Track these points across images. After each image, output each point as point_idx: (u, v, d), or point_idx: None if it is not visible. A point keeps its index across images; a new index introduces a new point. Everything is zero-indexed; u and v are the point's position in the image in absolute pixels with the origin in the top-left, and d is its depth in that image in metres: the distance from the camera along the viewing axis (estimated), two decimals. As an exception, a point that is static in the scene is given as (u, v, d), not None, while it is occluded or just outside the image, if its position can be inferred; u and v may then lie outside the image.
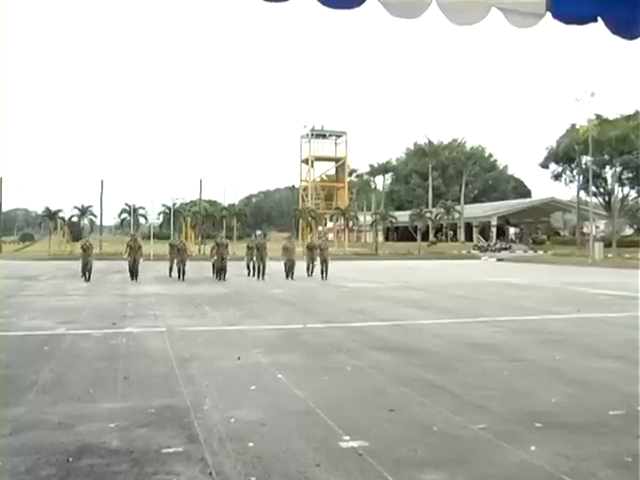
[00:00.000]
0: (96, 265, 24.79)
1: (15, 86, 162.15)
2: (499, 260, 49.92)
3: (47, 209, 59.57)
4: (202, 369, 7.43)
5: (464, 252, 60.22)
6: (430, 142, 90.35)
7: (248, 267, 25.11)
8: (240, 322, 11.82)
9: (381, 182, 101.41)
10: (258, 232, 31.88)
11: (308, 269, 24.90)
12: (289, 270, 23.75)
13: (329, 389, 6.59)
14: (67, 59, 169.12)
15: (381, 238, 72.67)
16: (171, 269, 23.96)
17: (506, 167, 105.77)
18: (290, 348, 9.04)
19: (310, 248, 25.91)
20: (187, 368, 7.47)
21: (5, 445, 4.71)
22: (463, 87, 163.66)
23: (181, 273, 23.18)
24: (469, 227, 77.54)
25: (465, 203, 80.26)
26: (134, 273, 22.53)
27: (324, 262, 24.14)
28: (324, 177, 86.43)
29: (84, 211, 62.18)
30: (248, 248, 25.41)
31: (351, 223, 70.47)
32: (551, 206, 76.22)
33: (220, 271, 23.19)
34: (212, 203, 68.95)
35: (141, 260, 23.05)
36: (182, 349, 8.78)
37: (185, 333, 10.38)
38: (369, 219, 73.10)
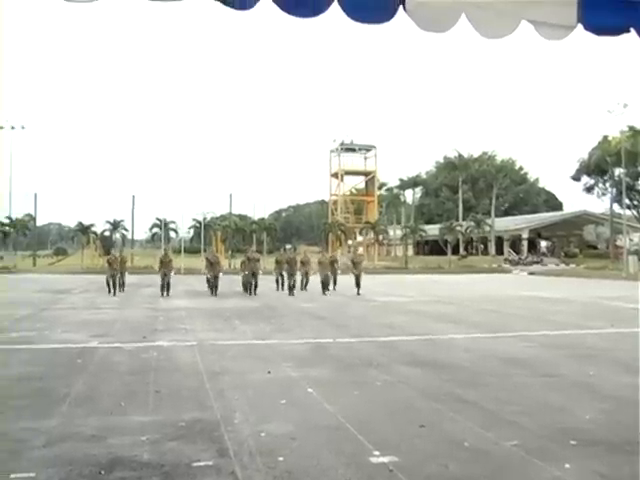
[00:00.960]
0: (127, 279, 25.04)
1: (48, 101, 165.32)
2: (531, 274, 49.31)
3: (80, 223, 60.48)
4: (232, 383, 7.44)
5: (495, 266, 59.54)
6: (460, 155, 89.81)
7: (277, 281, 25.17)
8: (270, 336, 11.83)
9: (411, 196, 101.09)
10: (288, 246, 31.87)
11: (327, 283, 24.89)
12: (325, 284, 23.71)
13: (359, 404, 6.55)
14: (99, 73, 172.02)
15: (411, 252, 72.37)
16: (209, 282, 23.98)
17: (537, 180, 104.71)
18: (320, 362, 9.02)
19: (331, 262, 25.86)
20: (217, 382, 7.49)
21: (39, 456, 4.76)
22: (493, 100, 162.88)
23: (214, 287, 23.22)
24: (500, 241, 76.76)
25: (496, 216, 79.48)
26: (166, 287, 22.59)
27: (357, 277, 23.83)
28: (354, 191, 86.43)
29: (116, 225, 62.95)
30: (277, 262, 25.53)
31: (381, 237, 70.32)
32: (583, 219, 75.25)
33: (251, 285, 23.09)
34: (242, 217, 69.38)
35: (172, 274, 23.23)
36: (212, 363, 8.81)
37: (215, 347, 10.41)
38: (399, 233, 72.89)
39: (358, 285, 23.55)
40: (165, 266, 22.93)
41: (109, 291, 22.62)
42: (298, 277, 24.23)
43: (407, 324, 14.04)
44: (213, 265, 23.22)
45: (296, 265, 24.09)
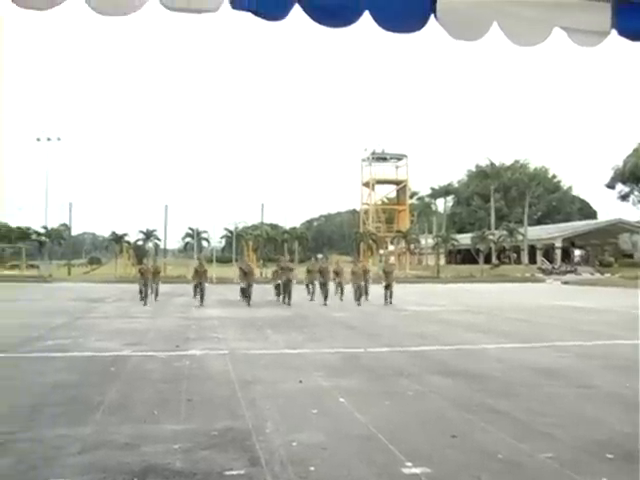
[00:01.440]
0: (160, 288, 25.27)
1: (83, 112, 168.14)
2: (564, 283, 48.64)
3: (113, 233, 61.41)
4: (264, 392, 7.46)
5: (528, 275, 58.88)
6: (492, 164, 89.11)
7: (308, 290, 25.19)
8: (302, 345, 11.84)
9: (442, 204, 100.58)
10: (319, 256, 31.76)
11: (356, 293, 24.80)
12: (358, 294, 23.70)
13: (391, 414, 6.51)
14: (132, 84, 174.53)
15: (443, 261, 71.94)
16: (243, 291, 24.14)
17: (570, 188, 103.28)
18: (351, 372, 8.99)
19: (364, 272, 25.78)
20: (249, 391, 7.51)
21: (73, 464, 4.81)
22: (526, 107, 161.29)
23: (247, 296, 23.39)
24: (533, 250, 75.88)
25: (528, 225, 78.67)
26: (200, 296, 22.85)
27: (388, 286, 23.70)
28: (385, 200, 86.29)
29: (149, 235, 63.66)
30: (308, 272, 25.56)
31: (412, 246, 70.11)
32: (618, 227, 74.02)
33: (283, 295, 23.12)
34: (274, 227, 69.72)
35: (206, 284, 23.51)
36: (244, 372, 8.83)
37: (247, 356, 10.44)
38: (430, 242, 72.53)
39: (390, 295, 23.43)
40: (200, 276, 23.28)
41: (141, 299, 22.84)
42: (331, 286, 24.20)
43: (438, 334, 13.95)
44: (247, 275, 23.23)
45: (328, 274, 24.00)
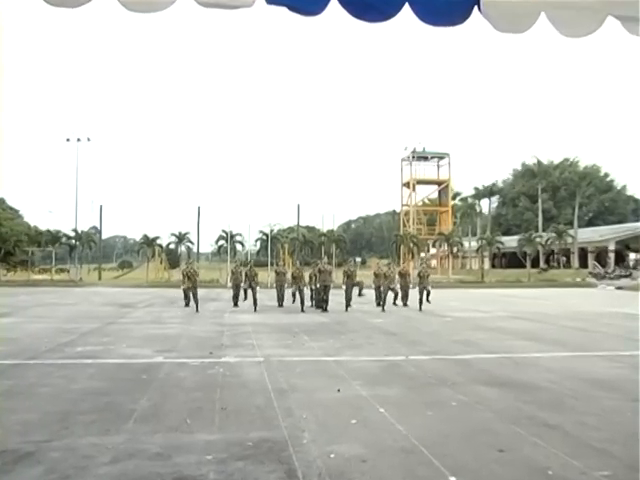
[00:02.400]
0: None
1: (114, 112, 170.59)
2: (618, 288, 47.69)
3: (145, 236, 61.89)
4: (300, 401, 7.47)
5: (578, 280, 57.90)
6: (539, 162, 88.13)
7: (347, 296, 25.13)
8: (339, 352, 11.83)
9: (487, 205, 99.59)
10: (350, 259, 31.66)
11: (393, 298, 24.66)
12: (396, 298, 23.70)
13: (433, 425, 6.47)
14: (164, 84, 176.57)
15: (487, 265, 71.28)
16: (280, 296, 24.37)
17: (624, 187, 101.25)
18: (392, 381, 8.96)
19: (403, 275, 25.67)
20: (285, 400, 7.53)
21: (105, 473, 4.88)
22: (575, 103, 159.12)
23: (279, 300, 23.76)
24: (583, 253, 74.73)
25: (579, 227, 77.50)
26: (236, 299, 23.82)
27: (424, 290, 23.53)
28: (426, 201, 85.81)
29: (181, 238, 64.05)
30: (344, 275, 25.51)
31: (455, 249, 69.52)
32: (677, 229, 72.44)
33: (321, 300, 22.95)
34: (310, 229, 69.83)
35: (242, 285, 24.23)
36: (280, 380, 8.86)
37: (283, 363, 10.47)
38: (474, 245, 71.90)
39: (427, 299, 23.39)
40: (236, 279, 24.29)
41: (186, 305, 22.96)
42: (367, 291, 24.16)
43: (484, 341, 13.81)
44: (296, 279, 23.47)
45: (351, 279, 23.75)
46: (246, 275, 24.02)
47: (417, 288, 23.90)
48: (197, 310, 21.77)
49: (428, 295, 23.51)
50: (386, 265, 26.34)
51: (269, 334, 15.01)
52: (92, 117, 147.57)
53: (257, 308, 22.28)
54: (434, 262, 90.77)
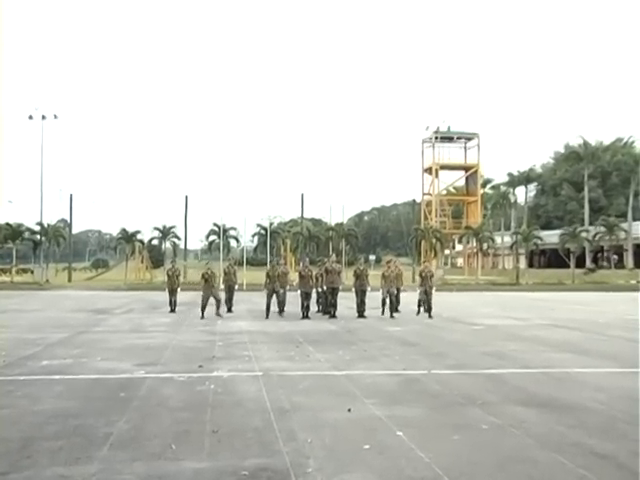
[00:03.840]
0: (180, 297, 25.52)
1: (86, 88, 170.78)
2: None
3: (123, 231, 61.84)
4: (305, 422, 7.47)
5: (633, 282, 57.63)
6: (586, 143, 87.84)
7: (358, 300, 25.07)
8: (350, 366, 11.83)
9: (523, 194, 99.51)
10: (360, 257, 31.57)
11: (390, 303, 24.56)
12: (422, 303, 23.67)
13: (460, 451, 6.45)
14: (145, 60, 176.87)
15: (523, 264, 71.25)
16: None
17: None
18: (411, 399, 8.95)
19: (423, 276, 25.55)
20: (287, 421, 7.53)
21: (75, 508, 4.87)
22: (629, 74, 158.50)
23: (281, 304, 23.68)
24: (639, 250, 74.59)
25: (634, 219, 77.28)
26: (229, 302, 24.11)
27: (425, 294, 23.44)
28: (451, 189, 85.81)
29: (166, 233, 63.97)
30: (357, 276, 25.44)
31: (485, 245, 69.45)
32: None
33: (329, 305, 22.90)
34: (316, 222, 69.87)
35: (236, 287, 24.70)
36: (281, 398, 8.86)
37: (284, 378, 10.47)
38: (508, 240, 71.83)
39: (427, 307, 23.40)
40: (230, 279, 24.65)
41: (172, 310, 24.08)
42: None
43: (520, 353, 13.78)
44: (304, 278, 23.17)
45: (363, 280, 23.61)
46: (225, 273, 25.20)
47: (417, 291, 23.80)
48: (217, 313, 22.34)
49: (429, 301, 23.29)
50: (388, 262, 26.02)
51: (268, 344, 15.01)
52: (59, 91, 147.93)
53: (281, 313, 22.84)
54: (460, 261, 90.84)
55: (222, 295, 24.10)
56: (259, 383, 10.01)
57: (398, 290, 24.08)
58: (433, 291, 23.88)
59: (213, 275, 23.24)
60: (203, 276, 23.19)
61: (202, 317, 21.91)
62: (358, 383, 10.08)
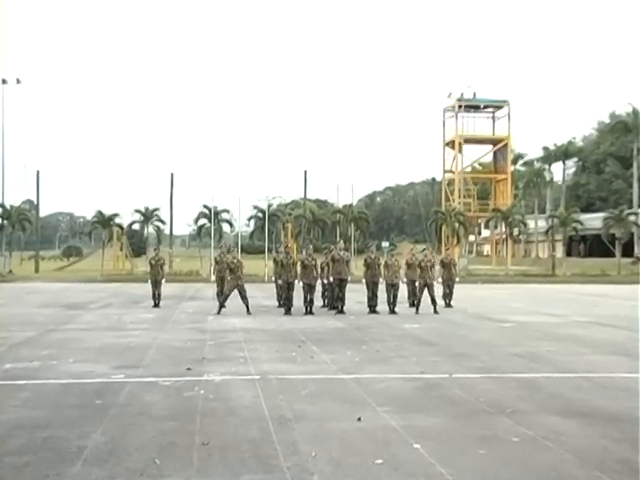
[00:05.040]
0: (165, 290, 25.57)
1: (55, 52, 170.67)
2: None
3: (99, 213, 61.56)
4: (308, 433, 7.49)
5: (690, 273, 57.55)
6: (635, 112, 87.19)
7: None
8: (360, 368, 11.85)
9: (560, 172, 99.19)
10: (371, 243, 31.23)
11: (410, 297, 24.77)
12: (444, 296, 24.14)
13: (487, 468, 6.45)
14: (122, 23, 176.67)
15: (560, 252, 71.08)
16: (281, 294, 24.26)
17: None
18: (431, 407, 8.96)
19: (446, 265, 25.61)
20: (288, 432, 7.55)
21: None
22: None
23: (280, 299, 23.71)
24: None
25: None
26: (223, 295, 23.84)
27: (426, 287, 23.45)
28: (477, 166, 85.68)
29: (148, 216, 63.54)
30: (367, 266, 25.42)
31: (516, 231, 69.34)
32: None
33: (336, 299, 22.93)
34: (321, 204, 69.82)
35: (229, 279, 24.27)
36: (281, 405, 8.90)
37: (285, 383, 10.50)
38: (542, 225, 71.67)
39: (447, 295, 24.17)
40: (222, 270, 24.43)
41: (155, 305, 24.46)
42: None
43: (556, 355, 13.77)
44: (307, 268, 22.91)
45: (377, 270, 23.57)
46: (216, 262, 25.63)
47: (417, 283, 23.75)
48: (248, 312, 22.08)
49: (430, 293, 23.02)
50: (421, 252, 26.12)
51: (267, 344, 15.05)
52: (24, 51, 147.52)
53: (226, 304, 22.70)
54: (487, 249, 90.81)
55: (214, 289, 24.21)
56: (256, 388, 10.04)
57: (427, 285, 23.34)
58: (454, 282, 24.07)
59: (240, 264, 23.00)
60: (228, 265, 22.93)
61: (155, 305, 23.23)
62: (369, 388, 10.10)
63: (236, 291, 22.25)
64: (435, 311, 22.49)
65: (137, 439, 7.28)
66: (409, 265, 24.63)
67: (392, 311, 22.62)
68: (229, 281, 22.61)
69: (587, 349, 14.85)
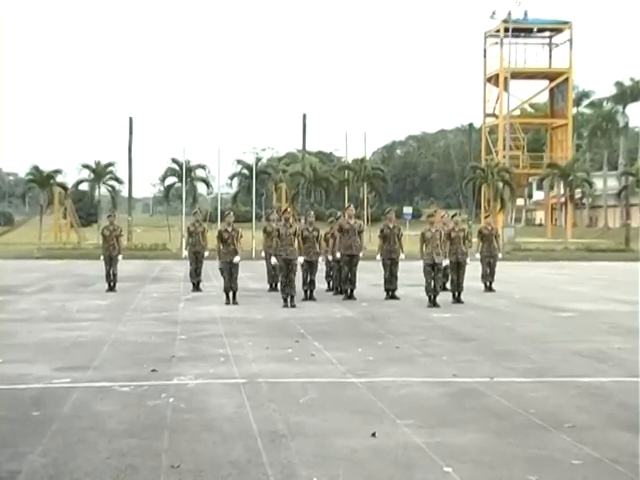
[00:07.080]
0: (123, 268, 25.62)
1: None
2: None
3: (36, 169, 61.11)
4: (308, 453, 7.50)
5: None
6: None
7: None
8: (374, 370, 11.92)
9: (638, 115, 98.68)
10: (389, 208, 30.84)
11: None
12: (483, 277, 24.59)
13: (539, 498, 6.50)
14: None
15: (638, 220, 71.09)
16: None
17: None
18: (466, 419, 8.99)
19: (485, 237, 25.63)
20: (282, 451, 7.56)
21: None
22: None
23: (271, 279, 23.87)
24: None
25: None
26: (196, 275, 24.46)
27: (488, 264, 23.60)
28: (528, 108, 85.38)
29: (100, 173, 63.01)
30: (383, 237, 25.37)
31: (579, 193, 69.18)
32: None
33: (345, 280, 22.95)
34: (325, 158, 69.67)
35: (206, 254, 24.79)
36: (273, 416, 8.93)
37: (278, 388, 10.56)
38: (614, 185, 71.58)
39: (490, 276, 24.59)
40: (196, 243, 24.87)
41: (110, 288, 24.67)
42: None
43: (629, 354, 13.76)
44: (306, 240, 22.41)
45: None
46: (189, 233, 25.53)
47: (447, 260, 23.13)
48: (234, 299, 21.94)
49: (459, 277, 23.00)
50: (451, 218, 25.47)
51: (254, 338, 15.10)
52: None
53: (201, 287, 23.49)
54: (540, 216, 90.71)
55: (187, 267, 24.30)
56: (241, 395, 10.07)
57: (458, 264, 23.10)
58: (497, 257, 24.20)
59: (235, 233, 22.55)
60: (221, 235, 22.56)
61: (110, 289, 23.83)
62: (386, 395, 10.14)
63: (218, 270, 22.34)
64: (457, 299, 22.31)
65: (87, 461, 7.25)
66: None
67: (456, 299, 22.39)
68: (223, 255, 22.26)
69: (669, 345, 14.86)
